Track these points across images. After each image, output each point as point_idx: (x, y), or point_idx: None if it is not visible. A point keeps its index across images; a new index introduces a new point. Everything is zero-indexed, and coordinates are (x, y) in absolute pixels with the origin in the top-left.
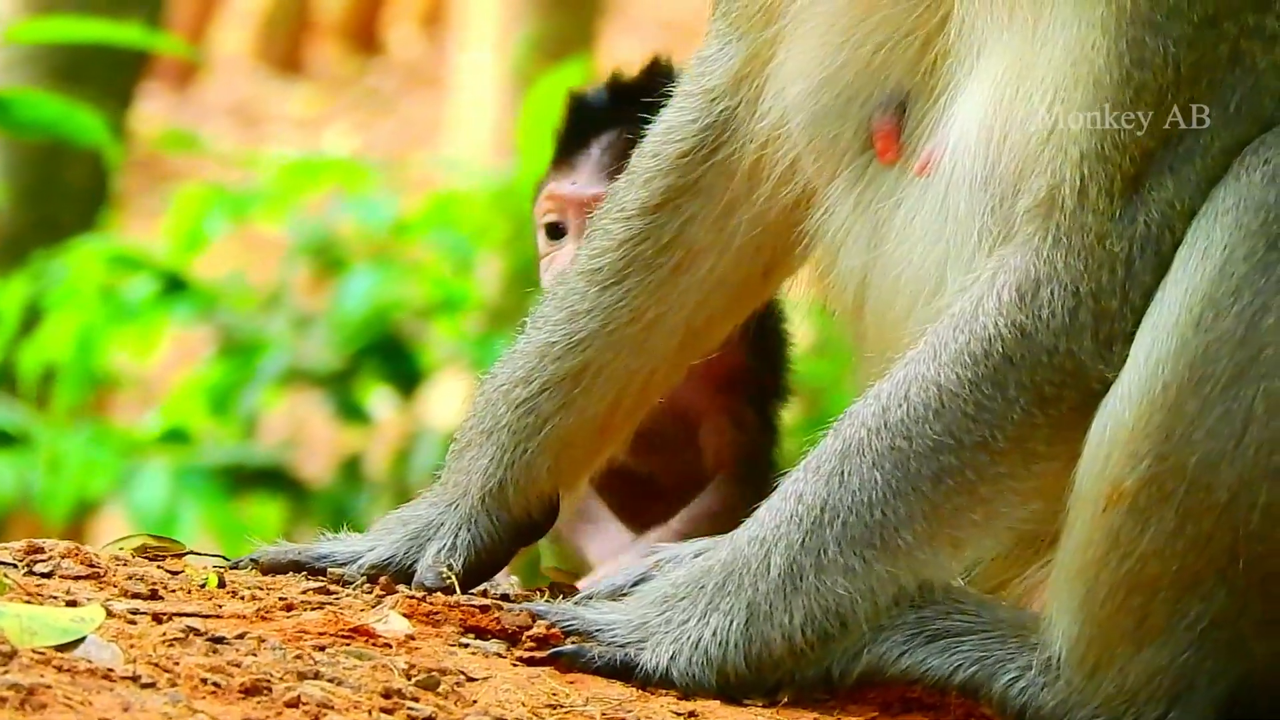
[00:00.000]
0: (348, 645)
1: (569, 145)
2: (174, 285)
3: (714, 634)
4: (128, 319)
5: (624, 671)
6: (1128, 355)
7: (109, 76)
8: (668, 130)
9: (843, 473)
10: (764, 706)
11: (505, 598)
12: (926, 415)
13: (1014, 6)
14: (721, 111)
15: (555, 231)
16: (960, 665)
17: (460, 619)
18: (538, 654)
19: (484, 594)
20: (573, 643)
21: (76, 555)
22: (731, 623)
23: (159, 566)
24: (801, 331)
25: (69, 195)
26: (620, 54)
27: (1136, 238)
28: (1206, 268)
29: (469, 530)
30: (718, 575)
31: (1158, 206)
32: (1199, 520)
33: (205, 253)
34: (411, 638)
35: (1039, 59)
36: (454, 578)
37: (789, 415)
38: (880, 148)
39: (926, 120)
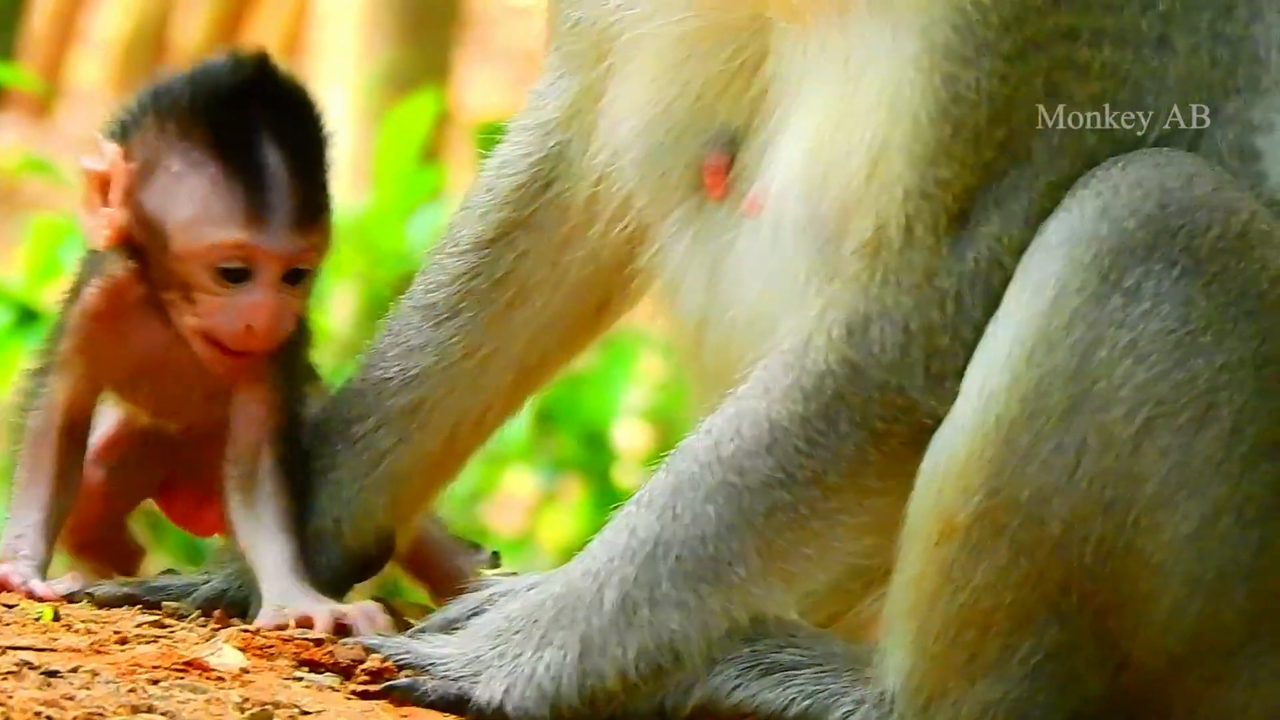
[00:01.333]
0: (182, 679)
1: (260, 186)
2: (28, 316)
3: (547, 668)
4: None
5: (457, 705)
6: (960, 390)
7: None
8: (502, 164)
9: (675, 507)
10: None
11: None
12: (759, 450)
13: (826, 43)
14: (554, 145)
15: (238, 276)
16: (794, 699)
17: (294, 652)
18: (372, 687)
19: None
20: (406, 676)
21: None
22: (565, 656)
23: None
24: (654, 365)
25: None
26: (473, 84)
27: (966, 274)
28: (1039, 302)
29: None
30: (551, 609)
31: (986, 242)
32: (1031, 555)
33: (59, 286)
34: (246, 671)
35: (856, 97)
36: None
37: (651, 446)
38: (710, 184)
39: (753, 159)
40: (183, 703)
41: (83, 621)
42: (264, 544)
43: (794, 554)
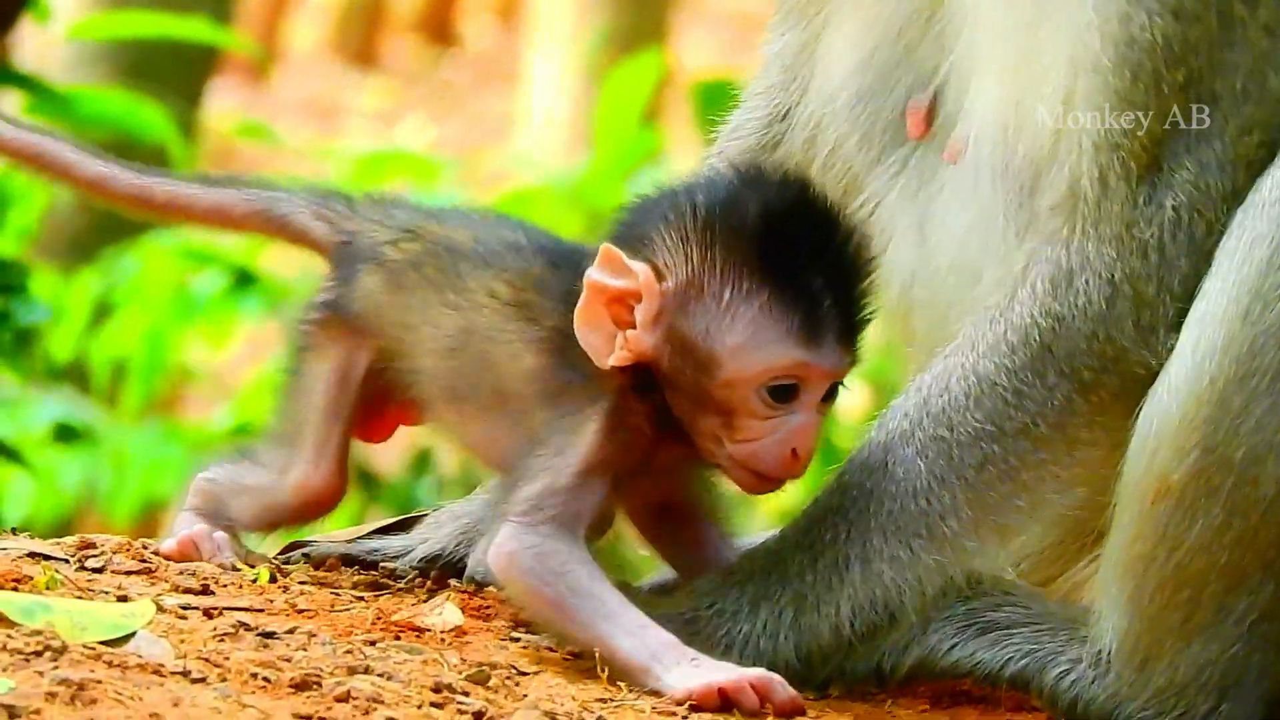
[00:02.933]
0: (398, 639)
1: (812, 306)
2: (244, 279)
3: (764, 626)
4: (198, 314)
5: None
6: (1171, 343)
7: (179, 73)
8: (734, 129)
9: (887, 463)
10: (814, 699)
11: None
12: (967, 404)
13: None
14: (778, 104)
15: (787, 395)
16: (1011, 658)
17: (511, 613)
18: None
19: None
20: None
21: (128, 550)
22: (780, 614)
23: (210, 561)
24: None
25: None
26: (691, 46)
27: (1165, 222)
28: (1253, 259)
29: None
30: (766, 567)
31: (1183, 190)
32: (1246, 514)
33: (275, 250)
34: (462, 632)
35: (1040, 45)
36: None
37: (870, 408)
38: (912, 129)
39: (953, 104)
40: (399, 663)
41: (298, 583)
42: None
43: (1006, 506)
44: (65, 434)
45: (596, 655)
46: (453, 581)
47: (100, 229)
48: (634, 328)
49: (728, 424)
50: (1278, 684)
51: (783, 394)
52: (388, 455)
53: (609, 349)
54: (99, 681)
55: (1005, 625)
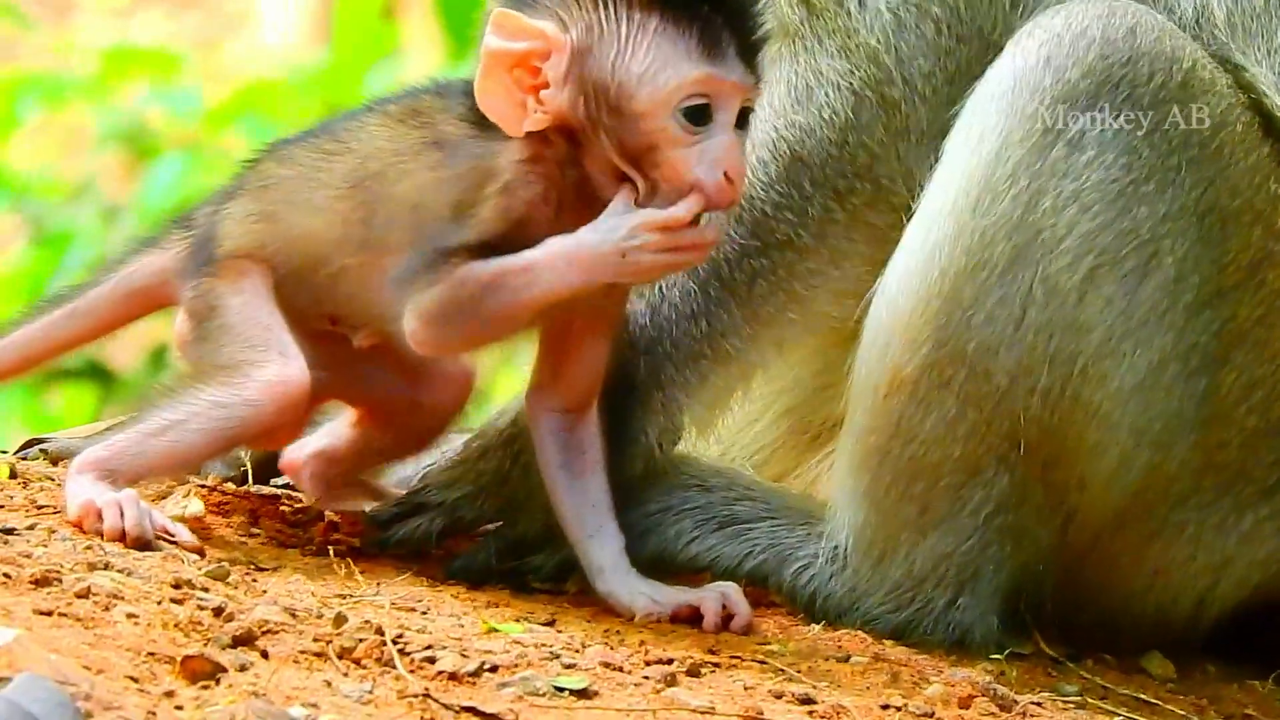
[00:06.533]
0: None
1: (707, 23)
2: None
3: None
4: None
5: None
6: (923, 154)
7: None
8: None
9: (662, 290)
10: (551, 594)
11: (293, 488)
12: (730, 223)
13: None
14: None
15: (702, 116)
16: (749, 553)
17: (251, 509)
18: (330, 543)
19: (274, 485)
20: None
21: None
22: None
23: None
24: None
25: None
26: None
27: (887, 27)
28: (983, 151)
29: None
30: None
31: None
32: (979, 406)
33: (16, 144)
34: (203, 528)
35: None
36: (245, 468)
37: None
38: None
39: None
40: (139, 559)
41: (38, 479)
42: (602, 534)
43: (780, 319)
44: None
45: (332, 552)
46: (192, 478)
47: None
48: (539, 90)
49: (653, 162)
50: (1014, 576)
51: (697, 115)
52: (125, 351)
53: (521, 114)
54: None
55: (745, 519)
